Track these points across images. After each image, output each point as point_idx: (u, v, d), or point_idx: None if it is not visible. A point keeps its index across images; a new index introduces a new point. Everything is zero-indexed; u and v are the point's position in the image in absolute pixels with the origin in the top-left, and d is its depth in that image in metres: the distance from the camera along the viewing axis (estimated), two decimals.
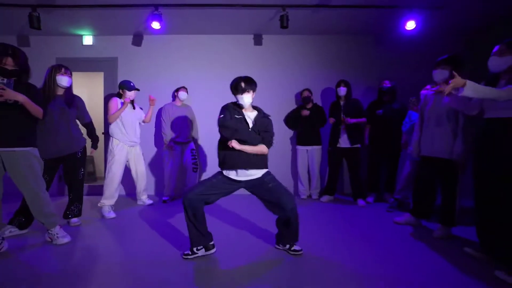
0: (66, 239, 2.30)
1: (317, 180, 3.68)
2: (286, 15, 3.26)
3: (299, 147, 3.71)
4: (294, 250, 2.06)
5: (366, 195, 3.54)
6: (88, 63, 4.00)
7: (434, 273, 1.81)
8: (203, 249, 2.01)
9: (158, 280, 1.73)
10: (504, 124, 1.82)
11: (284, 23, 3.28)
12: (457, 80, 1.79)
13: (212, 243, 2.05)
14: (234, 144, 1.86)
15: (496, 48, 1.88)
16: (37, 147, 2.19)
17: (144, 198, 3.50)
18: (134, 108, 3.23)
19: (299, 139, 3.72)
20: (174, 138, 3.53)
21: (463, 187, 2.44)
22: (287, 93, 4.04)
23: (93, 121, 2.92)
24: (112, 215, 3.03)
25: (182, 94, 3.61)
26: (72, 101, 2.60)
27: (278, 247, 2.16)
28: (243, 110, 2.01)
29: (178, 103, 3.64)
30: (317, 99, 3.96)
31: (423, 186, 2.58)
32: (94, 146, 2.90)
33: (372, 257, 2.02)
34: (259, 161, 1.97)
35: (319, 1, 3.13)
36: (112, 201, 3.09)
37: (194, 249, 1.98)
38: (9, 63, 1.97)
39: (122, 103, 3.11)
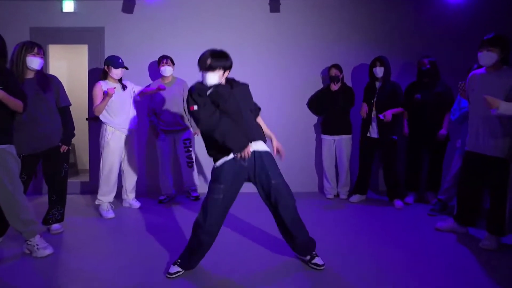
0: (48, 251, 2.27)
1: (347, 176, 3.67)
2: None
3: (325, 137, 3.68)
4: (315, 264, 2.06)
5: (404, 194, 3.51)
6: (69, 34, 3.87)
7: None
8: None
9: None
10: None
11: None
12: (491, 100, 2.05)
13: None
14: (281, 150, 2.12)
15: None
16: (13, 144, 2.16)
17: (131, 199, 3.41)
18: (124, 89, 3.15)
19: (325, 127, 3.68)
20: (163, 126, 3.40)
21: None
22: (311, 70, 3.94)
23: (75, 104, 2.86)
24: (111, 214, 3.08)
25: (163, 70, 3.37)
26: (47, 84, 2.50)
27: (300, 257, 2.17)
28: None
29: (165, 79, 3.44)
30: (347, 78, 3.85)
31: (468, 187, 2.55)
32: (66, 141, 2.63)
33: (409, 271, 2.04)
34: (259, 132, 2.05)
35: None
36: (110, 197, 3.14)
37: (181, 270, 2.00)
38: None
39: (106, 92, 2.95)
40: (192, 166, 3.53)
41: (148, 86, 3.47)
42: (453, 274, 2.01)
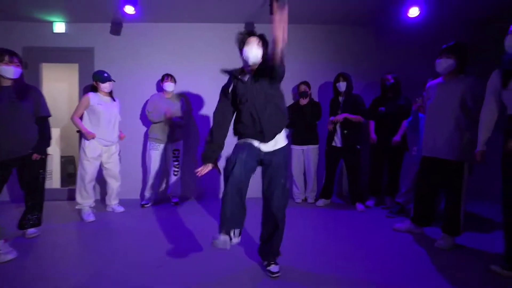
0: (9, 256, 2.24)
1: (314, 183, 3.93)
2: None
3: (294, 147, 3.96)
4: (270, 271, 2.09)
5: (366, 198, 3.79)
6: (60, 54, 4.12)
7: None
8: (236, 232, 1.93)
9: None
10: None
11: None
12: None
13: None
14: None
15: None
16: None
17: (114, 204, 3.59)
18: (113, 100, 3.40)
19: (294, 138, 3.95)
20: (157, 137, 3.68)
21: (469, 191, 2.54)
22: (283, 87, 4.10)
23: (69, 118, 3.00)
24: (92, 218, 3.21)
25: (167, 86, 3.74)
26: (25, 93, 2.50)
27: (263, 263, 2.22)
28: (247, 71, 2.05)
29: (166, 94, 3.79)
30: (314, 94, 4.20)
31: (425, 190, 2.69)
32: (39, 150, 2.61)
33: (366, 269, 2.17)
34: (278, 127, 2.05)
35: None
36: (89, 202, 3.28)
37: (231, 233, 1.88)
38: None
39: (89, 134, 3.21)
40: (177, 175, 3.78)
41: (150, 99, 3.77)
42: (408, 272, 2.10)
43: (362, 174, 3.86)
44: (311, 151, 3.89)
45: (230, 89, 2.05)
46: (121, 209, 3.59)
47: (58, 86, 5.19)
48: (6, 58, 2.41)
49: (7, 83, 2.45)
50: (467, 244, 2.61)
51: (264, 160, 2.05)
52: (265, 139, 2.00)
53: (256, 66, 2.05)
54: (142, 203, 3.77)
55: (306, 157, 3.92)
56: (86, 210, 3.26)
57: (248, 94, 2.00)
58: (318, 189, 3.99)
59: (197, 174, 2.03)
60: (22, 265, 2.21)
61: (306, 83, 3.89)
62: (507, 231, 2.07)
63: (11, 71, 2.43)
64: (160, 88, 4.11)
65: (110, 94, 3.40)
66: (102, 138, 3.30)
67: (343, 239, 2.74)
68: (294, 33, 4.27)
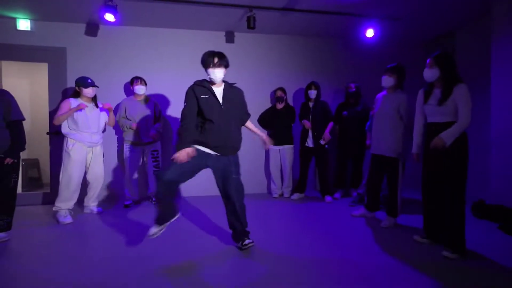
0: None
1: (289, 179, 4.44)
2: (253, 16, 3.83)
3: (271, 147, 4.36)
4: (245, 245, 2.49)
5: (333, 191, 4.37)
6: (25, 52, 3.99)
7: (384, 258, 2.44)
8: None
9: None
10: (441, 127, 2.44)
11: (251, 24, 3.85)
12: (437, 142, 2.39)
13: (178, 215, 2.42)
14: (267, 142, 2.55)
15: (427, 61, 2.55)
16: None
17: (93, 206, 3.60)
18: (97, 106, 3.46)
19: (272, 139, 4.28)
20: (133, 139, 3.79)
21: (404, 181, 3.16)
22: (261, 92, 4.73)
23: (37, 120, 2.92)
24: (69, 219, 3.23)
25: (138, 89, 3.78)
26: None
27: (238, 245, 2.59)
28: (213, 86, 2.38)
29: (137, 97, 3.86)
30: (289, 99, 4.70)
31: (374, 181, 3.29)
32: (11, 154, 2.62)
33: (326, 246, 2.66)
34: (235, 144, 2.43)
35: (285, 4, 3.69)
36: (69, 204, 3.29)
37: (161, 225, 2.32)
38: None
39: (81, 106, 3.23)
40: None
41: (121, 102, 3.88)
42: (360, 246, 2.66)
43: (330, 170, 4.42)
44: (287, 150, 4.36)
45: (197, 96, 2.32)
46: (99, 210, 3.62)
47: (17, 82, 4.91)
48: None
49: None
50: (405, 223, 3.27)
51: (211, 164, 2.43)
52: (226, 152, 2.39)
53: (222, 85, 2.43)
54: (125, 203, 3.86)
55: (282, 156, 4.39)
56: (63, 213, 3.24)
57: (215, 110, 2.33)
58: (293, 184, 4.50)
59: (175, 160, 2.21)
60: None
61: (282, 89, 4.34)
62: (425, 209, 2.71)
63: None
64: (129, 92, 4.19)
65: (94, 100, 3.45)
66: (85, 140, 3.33)
67: (311, 225, 3.23)
68: (273, 42, 4.71)
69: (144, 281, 2.06)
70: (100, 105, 3.53)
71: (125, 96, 4.29)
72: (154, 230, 2.31)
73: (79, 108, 3.26)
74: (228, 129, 2.38)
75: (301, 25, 4.36)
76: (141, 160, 4.01)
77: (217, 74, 2.34)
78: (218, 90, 2.41)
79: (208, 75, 2.36)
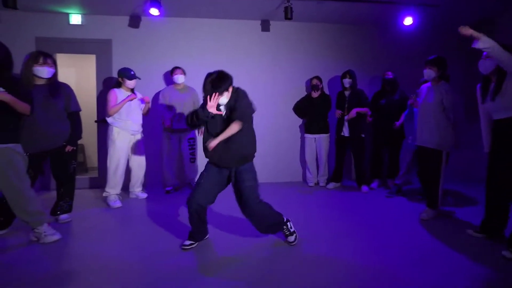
0: (56, 237, 2.44)
1: (325, 168, 4.49)
2: (290, 6, 3.88)
3: (307, 135, 4.48)
4: (287, 241, 2.48)
5: (370, 181, 4.39)
6: (76, 45, 4.26)
7: (430, 250, 2.42)
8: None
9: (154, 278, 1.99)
10: (505, 124, 2.38)
11: (288, 15, 3.91)
12: (472, 32, 2.22)
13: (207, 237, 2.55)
14: (212, 145, 2.15)
15: (484, 53, 2.44)
16: (19, 143, 2.35)
17: (138, 191, 3.78)
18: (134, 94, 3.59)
19: (307, 128, 4.47)
20: (171, 126, 3.90)
21: (447, 173, 3.11)
22: (296, 80, 4.75)
23: (84, 108, 3.06)
24: (118, 204, 3.44)
25: (178, 78, 3.91)
26: (57, 90, 2.69)
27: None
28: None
29: (177, 86, 4.01)
30: (325, 88, 4.70)
31: (424, 175, 3.19)
32: (71, 142, 2.84)
33: (365, 238, 2.66)
34: (237, 155, 2.21)
35: None
36: (117, 190, 3.51)
37: (194, 242, 2.42)
38: None
39: (127, 97, 3.38)
40: (194, 161, 4.12)
41: (161, 91, 4.04)
42: (400, 237, 2.65)
43: (366, 160, 4.43)
44: (323, 139, 4.40)
45: (203, 115, 2.18)
46: (144, 195, 3.81)
47: (65, 73, 4.90)
48: (41, 60, 2.61)
49: (41, 82, 2.66)
50: (448, 215, 3.24)
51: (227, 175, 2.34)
52: (228, 164, 2.24)
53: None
54: (166, 189, 4.06)
55: (317, 144, 4.43)
56: (112, 198, 3.46)
57: (217, 125, 2.22)
58: (328, 173, 4.55)
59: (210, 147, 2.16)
60: (66, 245, 2.48)
61: (318, 77, 4.36)
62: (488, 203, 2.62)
63: (44, 72, 2.63)
64: (169, 81, 4.30)
65: (132, 91, 3.58)
66: (129, 128, 3.49)
67: (348, 215, 3.26)
68: (309, 31, 4.71)
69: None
70: (139, 96, 3.65)
71: (164, 85, 4.43)
72: (187, 244, 2.41)
73: (131, 99, 3.43)
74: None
75: (337, 13, 4.34)
76: (179, 147, 4.11)
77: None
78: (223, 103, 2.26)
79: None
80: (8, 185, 2.27)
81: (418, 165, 3.34)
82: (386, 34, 4.85)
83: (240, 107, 2.17)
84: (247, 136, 2.26)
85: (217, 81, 2.11)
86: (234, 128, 2.15)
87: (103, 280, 1.98)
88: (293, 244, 2.50)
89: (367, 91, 4.45)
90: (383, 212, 3.39)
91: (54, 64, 2.70)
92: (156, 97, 4.32)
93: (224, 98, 2.17)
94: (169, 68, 4.29)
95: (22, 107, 2.28)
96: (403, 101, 4.04)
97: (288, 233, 2.49)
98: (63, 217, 2.93)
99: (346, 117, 4.15)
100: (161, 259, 2.26)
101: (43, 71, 2.61)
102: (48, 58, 2.65)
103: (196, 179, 4.11)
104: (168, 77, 4.39)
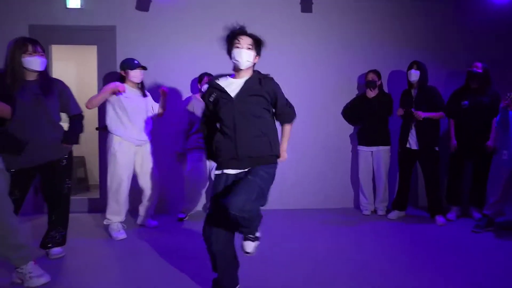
0: (44, 279, 2.15)
1: (385, 191, 3.78)
2: None
3: (362, 148, 3.82)
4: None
5: (446, 210, 3.62)
6: (75, 33, 3.86)
7: None
8: None
9: None
10: None
11: None
12: None
13: None
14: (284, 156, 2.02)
15: None
16: (0, 156, 2.07)
17: (147, 218, 3.36)
18: (145, 95, 3.18)
19: (362, 138, 3.82)
20: (194, 143, 3.46)
21: None
22: (346, 76, 4.07)
23: (85, 111, 2.77)
24: (122, 235, 3.03)
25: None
26: (49, 88, 2.40)
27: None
28: (233, 78, 1.97)
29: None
30: (384, 85, 3.95)
31: None
32: (69, 139, 2.54)
33: None
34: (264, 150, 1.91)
35: None
36: (121, 216, 3.09)
37: None
38: None
39: (119, 87, 2.98)
40: None
41: (188, 102, 3.55)
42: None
43: (442, 181, 3.69)
44: (382, 153, 3.71)
45: (211, 100, 1.98)
46: (154, 224, 3.36)
47: (62, 69, 4.72)
48: (30, 48, 2.26)
49: (32, 76, 2.34)
50: None
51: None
52: (240, 165, 1.89)
53: (246, 74, 1.97)
54: (179, 216, 3.55)
55: (375, 160, 3.76)
56: (115, 227, 3.07)
57: (229, 111, 1.90)
58: (390, 198, 3.85)
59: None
60: None
61: (375, 71, 3.70)
62: None
63: (37, 62, 2.30)
64: (186, 77, 3.89)
65: (142, 88, 3.19)
66: (133, 137, 3.06)
67: (423, 258, 2.65)
68: (363, 9, 4.04)
69: None
70: (148, 94, 3.28)
71: (180, 82, 3.93)
72: None
73: (116, 90, 2.95)
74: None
75: None
76: (208, 171, 3.64)
77: (244, 56, 1.93)
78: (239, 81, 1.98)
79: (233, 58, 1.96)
80: None
81: None
82: (469, 10, 4.07)
83: (286, 104, 2.01)
84: (274, 131, 2.00)
85: (256, 37, 1.96)
86: (288, 131, 2.07)
87: None
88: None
89: (443, 91, 3.66)
90: (471, 253, 2.72)
91: (44, 52, 2.38)
92: (171, 101, 3.73)
93: (251, 56, 1.91)
94: (185, 60, 3.86)
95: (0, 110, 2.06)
96: (495, 104, 3.29)
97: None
98: (55, 251, 2.59)
99: (415, 117, 3.42)
100: None
101: (35, 62, 2.29)
102: (38, 45, 2.33)
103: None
104: (182, 75, 3.89)
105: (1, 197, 2.01)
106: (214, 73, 3.51)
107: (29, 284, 2.11)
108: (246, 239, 1.84)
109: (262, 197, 1.88)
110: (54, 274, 2.26)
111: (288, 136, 2.05)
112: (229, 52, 1.92)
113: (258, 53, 1.95)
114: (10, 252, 2.06)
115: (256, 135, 1.84)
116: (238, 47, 1.88)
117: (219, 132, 1.93)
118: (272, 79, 1.98)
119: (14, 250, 2.06)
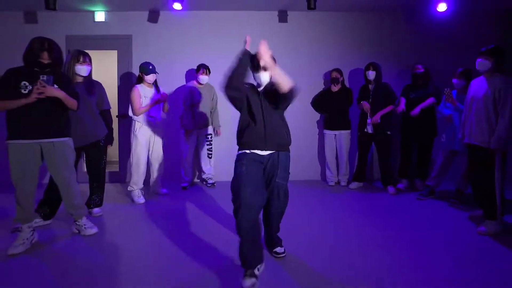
0: (94, 230, 2.66)
1: (346, 166, 4.22)
2: None
3: (327, 132, 4.24)
4: (276, 253, 2.28)
5: (396, 181, 4.07)
6: (100, 41, 4.50)
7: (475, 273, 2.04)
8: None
9: (188, 274, 2.04)
10: None
11: (311, 5, 3.74)
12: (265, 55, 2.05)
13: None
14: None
15: None
16: (71, 137, 2.53)
17: (159, 187, 3.86)
18: (158, 91, 3.66)
19: (327, 123, 4.24)
20: (191, 124, 3.97)
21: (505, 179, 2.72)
22: (315, 73, 4.54)
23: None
24: (142, 200, 3.56)
25: (202, 79, 3.98)
26: (93, 89, 2.94)
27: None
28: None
29: (199, 85, 4.07)
30: (346, 81, 4.44)
31: (477, 179, 2.81)
32: (110, 140, 3.19)
33: (392, 253, 2.32)
34: (282, 140, 2.12)
35: None
36: (140, 185, 3.61)
37: (255, 270, 1.90)
38: (44, 58, 2.31)
39: (154, 98, 3.50)
40: (211, 157, 4.18)
41: (183, 89, 4.10)
42: (441, 255, 2.32)
43: (392, 158, 4.12)
44: (343, 136, 4.16)
45: (247, 90, 2.17)
46: (165, 191, 3.87)
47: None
48: (81, 58, 2.84)
49: (79, 79, 2.87)
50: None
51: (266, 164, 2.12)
52: (267, 146, 2.07)
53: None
54: (182, 185, 4.11)
55: (338, 142, 4.19)
56: (136, 193, 3.57)
57: (257, 105, 2.12)
58: (350, 172, 4.28)
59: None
60: (104, 239, 2.62)
61: (338, 70, 4.13)
62: None
63: (84, 70, 2.86)
64: (191, 76, 4.36)
65: (156, 85, 3.67)
66: (150, 123, 3.58)
67: (376, 220, 2.98)
68: (329, 20, 4.52)
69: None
70: (161, 91, 3.70)
71: (184, 81, 4.45)
72: (248, 284, 1.81)
73: (160, 102, 3.53)
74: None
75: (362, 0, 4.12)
76: (197, 143, 4.18)
77: (262, 78, 2.20)
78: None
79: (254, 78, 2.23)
80: (61, 178, 2.45)
81: (468, 167, 3.02)
82: (415, 20, 4.57)
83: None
84: (286, 126, 2.24)
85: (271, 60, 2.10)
86: (287, 82, 2.05)
87: (152, 278, 2.03)
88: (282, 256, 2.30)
89: (395, 86, 4.13)
90: (421, 219, 3.05)
91: (90, 62, 2.92)
92: (176, 92, 4.40)
93: (268, 76, 2.16)
94: (187, 62, 4.42)
95: (71, 103, 2.43)
96: (438, 95, 3.76)
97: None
98: (96, 210, 3.12)
99: (369, 120, 3.91)
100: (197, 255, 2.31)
101: (83, 70, 2.85)
102: (87, 56, 2.88)
103: (210, 176, 4.19)
104: (188, 72, 4.46)
105: (72, 168, 2.51)
106: (211, 68, 4.12)
107: (85, 233, 2.61)
108: (245, 276, 1.83)
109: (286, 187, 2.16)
110: (99, 228, 2.74)
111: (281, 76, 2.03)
112: (252, 72, 2.15)
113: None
114: (74, 210, 2.56)
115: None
116: (259, 71, 2.12)
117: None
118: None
119: (77, 208, 2.57)
